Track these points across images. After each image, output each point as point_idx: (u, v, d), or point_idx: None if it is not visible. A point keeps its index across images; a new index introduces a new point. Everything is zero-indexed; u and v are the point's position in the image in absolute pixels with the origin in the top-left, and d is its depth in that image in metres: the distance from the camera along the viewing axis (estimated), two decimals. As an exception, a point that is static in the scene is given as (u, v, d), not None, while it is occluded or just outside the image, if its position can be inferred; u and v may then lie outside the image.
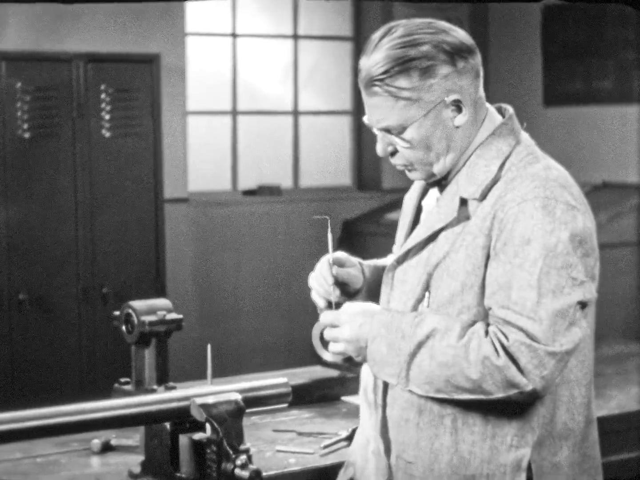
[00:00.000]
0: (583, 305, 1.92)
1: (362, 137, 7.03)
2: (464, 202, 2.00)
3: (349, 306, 2.06)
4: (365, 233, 6.43)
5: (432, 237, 2.02)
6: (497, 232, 1.94)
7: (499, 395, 1.89)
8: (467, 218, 1.98)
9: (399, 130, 1.99)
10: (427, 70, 1.95)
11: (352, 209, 6.72)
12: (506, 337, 1.88)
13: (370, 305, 2.05)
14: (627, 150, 6.27)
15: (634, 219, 5.86)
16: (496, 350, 1.88)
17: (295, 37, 6.87)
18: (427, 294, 2.00)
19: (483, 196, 1.98)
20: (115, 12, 5.84)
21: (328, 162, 7.05)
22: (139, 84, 5.43)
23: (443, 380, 1.91)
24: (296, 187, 6.89)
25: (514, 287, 1.90)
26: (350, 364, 2.19)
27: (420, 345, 1.93)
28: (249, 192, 6.66)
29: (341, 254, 2.21)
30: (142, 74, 5.43)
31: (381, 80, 1.96)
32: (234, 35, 6.63)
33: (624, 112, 6.33)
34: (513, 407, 1.95)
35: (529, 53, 6.84)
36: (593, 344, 2.06)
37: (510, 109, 2.08)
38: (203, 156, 6.54)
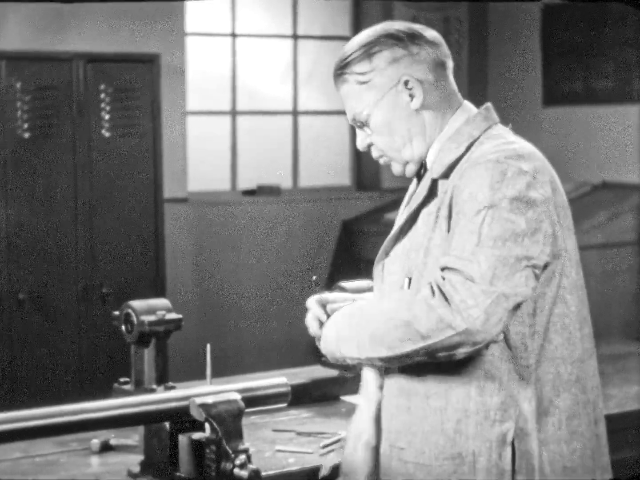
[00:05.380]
0: (533, 265, 1.92)
1: (361, 136, 7.02)
2: (436, 183, 2.06)
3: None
4: (365, 233, 6.43)
5: (413, 220, 2.08)
6: (455, 199, 1.99)
7: (438, 338, 1.88)
8: (436, 195, 2.05)
9: (365, 118, 2.11)
10: (379, 54, 2.09)
11: (351, 209, 6.72)
12: (443, 278, 1.91)
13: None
14: (627, 150, 6.27)
15: (633, 219, 5.86)
16: (433, 291, 1.90)
17: (295, 36, 6.87)
18: (406, 279, 2.04)
19: (449, 172, 2.04)
20: (115, 11, 5.84)
21: (327, 162, 7.05)
22: (139, 83, 5.43)
23: (391, 331, 1.94)
24: (295, 187, 6.89)
25: (456, 233, 1.94)
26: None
27: (371, 312, 1.99)
28: (248, 192, 6.66)
29: (331, 295, 2.23)
30: (142, 73, 5.43)
31: (343, 67, 2.11)
32: (233, 35, 6.63)
33: (624, 112, 6.33)
34: (494, 382, 1.97)
35: (529, 53, 6.84)
36: (580, 322, 2.06)
37: (489, 104, 2.15)
38: (202, 156, 6.54)
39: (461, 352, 1.90)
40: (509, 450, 1.97)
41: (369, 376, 2.15)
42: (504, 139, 2.05)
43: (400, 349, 1.93)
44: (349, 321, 2.03)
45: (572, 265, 2.04)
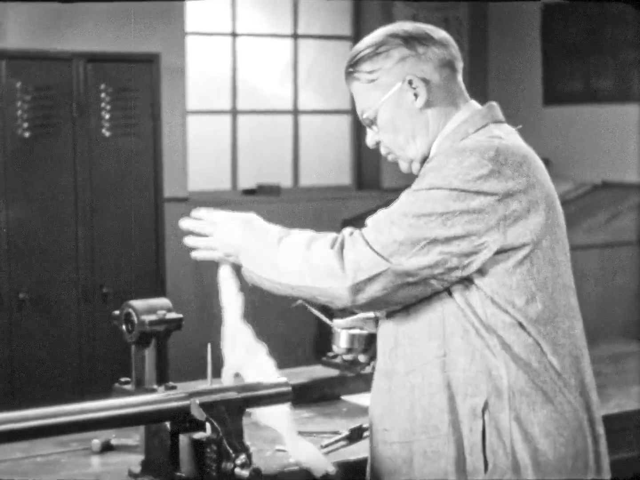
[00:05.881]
0: (454, 253, 1.97)
1: (361, 136, 7.02)
2: None
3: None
4: (365, 232, 6.42)
5: None
6: None
7: (321, 284, 2.00)
8: None
9: (373, 115, 2.16)
10: (386, 53, 2.14)
11: (351, 208, 6.72)
12: (351, 234, 2.01)
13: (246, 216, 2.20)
14: (627, 150, 6.27)
15: (633, 219, 5.86)
16: (335, 241, 2.01)
17: (295, 36, 6.87)
18: None
19: None
20: (115, 11, 5.84)
21: (328, 161, 7.05)
22: (139, 83, 5.43)
23: (289, 260, 2.04)
24: (296, 186, 6.90)
25: (395, 201, 2.04)
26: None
27: (285, 240, 2.08)
28: (248, 192, 6.66)
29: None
30: (142, 73, 5.43)
31: (353, 65, 2.17)
32: (233, 34, 6.63)
33: (624, 112, 6.33)
34: (467, 357, 2.00)
35: (529, 52, 6.84)
36: (548, 319, 2.05)
37: (493, 103, 2.18)
38: (203, 155, 6.54)
39: (338, 304, 2.02)
40: (479, 423, 2.00)
41: (224, 274, 2.33)
42: (490, 134, 2.07)
43: (287, 279, 2.06)
44: (264, 240, 2.10)
45: (545, 264, 2.04)
